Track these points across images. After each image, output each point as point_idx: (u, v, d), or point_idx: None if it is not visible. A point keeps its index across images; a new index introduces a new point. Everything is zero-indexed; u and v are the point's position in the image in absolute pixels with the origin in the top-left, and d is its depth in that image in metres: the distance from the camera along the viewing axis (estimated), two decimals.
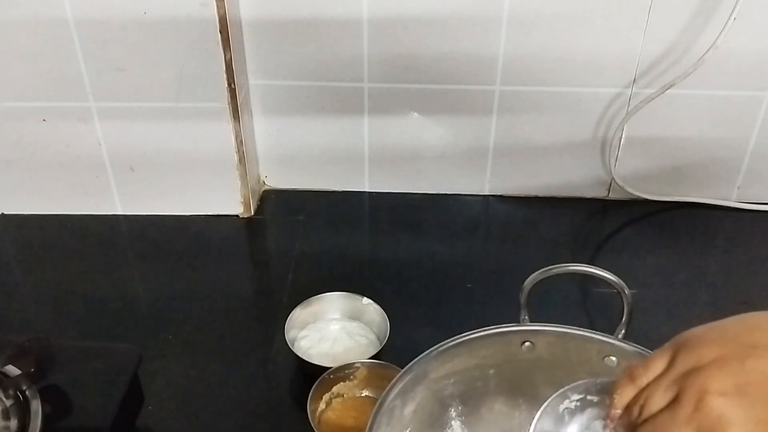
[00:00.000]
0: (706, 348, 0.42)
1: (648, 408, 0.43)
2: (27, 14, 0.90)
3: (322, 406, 0.75)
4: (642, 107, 1.00)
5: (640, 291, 0.81)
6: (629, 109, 1.02)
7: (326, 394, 0.75)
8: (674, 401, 0.42)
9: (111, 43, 0.92)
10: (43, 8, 0.89)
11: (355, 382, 0.76)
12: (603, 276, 0.69)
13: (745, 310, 0.49)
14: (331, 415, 0.75)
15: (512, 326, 0.65)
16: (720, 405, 0.40)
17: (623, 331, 0.70)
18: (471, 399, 0.65)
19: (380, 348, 0.79)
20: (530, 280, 0.70)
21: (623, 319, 0.70)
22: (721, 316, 0.51)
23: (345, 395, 0.76)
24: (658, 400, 0.43)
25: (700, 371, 0.41)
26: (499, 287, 0.93)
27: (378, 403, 0.58)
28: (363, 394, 0.77)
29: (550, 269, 0.70)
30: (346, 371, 0.75)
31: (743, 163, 1.07)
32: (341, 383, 0.76)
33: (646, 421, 0.43)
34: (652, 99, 0.99)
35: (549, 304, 0.77)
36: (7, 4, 0.89)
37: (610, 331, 0.69)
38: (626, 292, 0.69)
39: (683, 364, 0.42)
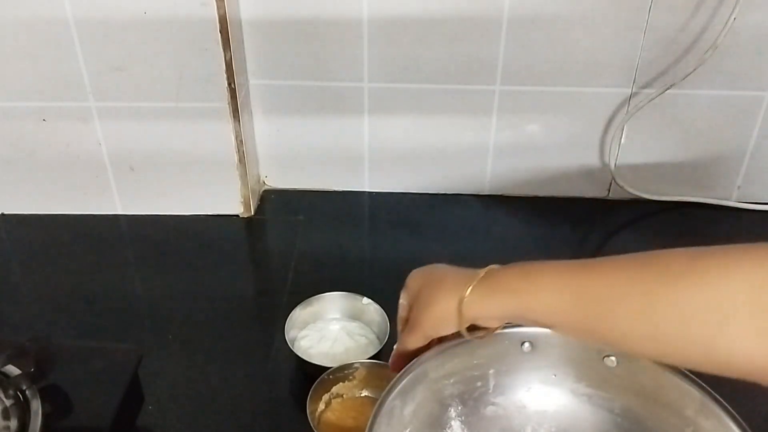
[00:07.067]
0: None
1: None
2: (27, 14, 0.90)
3: (321, 406, 0.75)
4: (642, 107, 1.00)
5: None
6: (629, 109, 1.02)
7: (326, 395, 0.75)
8: None
9: (111, 43, 0.92)
10: (43, 8, 0.89)
11: (355, 382, 0.76)
12: None
13: None
14: (331, 416, 0.74)
15: (512, 326, 0.64)
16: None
17: None
18: (471, 399, 0.65)
19: (380, 348, 0.79)
20: None
21: None
22: None
23: (344, 395, 0.76)
24: None
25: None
26: None
27: (378, 403, 0.58)
28: (362, 395, 0.77)
29: None
30: (346, 371, 0.75)
31: (743, 163, 1.07)
32: (341, 383, 0.76)
33: None
34: (652, 99, 0.99)
35: None
36: (7, 4, 0.89)
37: None
38: None
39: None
